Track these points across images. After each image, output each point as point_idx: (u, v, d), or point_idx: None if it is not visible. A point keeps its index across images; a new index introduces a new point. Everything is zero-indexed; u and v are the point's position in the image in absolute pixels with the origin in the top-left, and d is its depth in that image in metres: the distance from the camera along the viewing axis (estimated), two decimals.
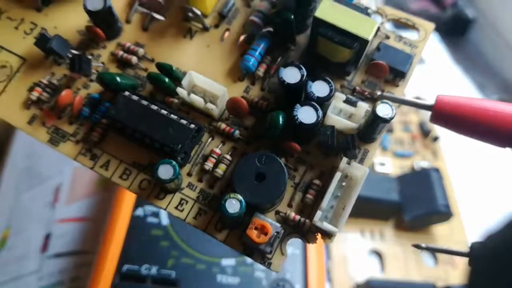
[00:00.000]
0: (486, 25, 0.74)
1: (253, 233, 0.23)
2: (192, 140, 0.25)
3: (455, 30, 0.75)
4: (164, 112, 0.25)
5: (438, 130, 0.57)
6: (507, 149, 0.24)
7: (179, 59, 0.28)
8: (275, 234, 0.24)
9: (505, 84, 0.72)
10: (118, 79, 0.26)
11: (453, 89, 0.66)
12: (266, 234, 0.23)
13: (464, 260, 0.25)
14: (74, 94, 0.27)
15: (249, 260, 0.36)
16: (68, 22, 0.29)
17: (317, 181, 0.26)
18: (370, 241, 0.50)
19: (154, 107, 0.25)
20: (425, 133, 0.57)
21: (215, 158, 0.25)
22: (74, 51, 0.27)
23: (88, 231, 0.46)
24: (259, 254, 0.24)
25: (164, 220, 0.37)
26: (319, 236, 0.25)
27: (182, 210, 0.25)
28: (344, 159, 0.25)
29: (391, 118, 0.24)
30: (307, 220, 0.25)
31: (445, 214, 0.47)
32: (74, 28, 0.28)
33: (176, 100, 0.27)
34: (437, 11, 0.75)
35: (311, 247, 0.38)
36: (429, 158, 0.55)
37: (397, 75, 0.27)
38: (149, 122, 0.25)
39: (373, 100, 0.27)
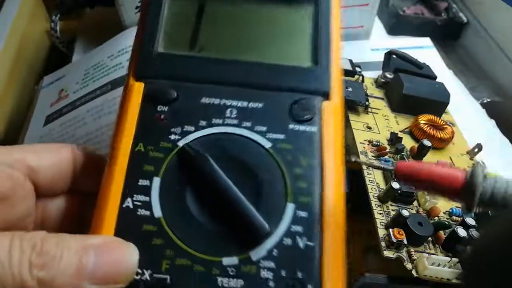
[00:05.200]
0: (479, 29, 0.76)
1: None
2: None
3: (448, 34, 0.77)
4: None
5: None
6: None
7: None
8: None
9: (497, 87, 0.73)
10: None
11: None
12: None
13: None
14: None
15: (254, 258, 0.31)
16: None
17: None
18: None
19: None
20: None
21: None
22: None
23: None
24: None
25: (157, 211, 0.33)
26: None
27: None
28: None
29: None
30: None
31: None
32: None
33: None
34: (431, 16, 0.77)
35: (328, 240, 0.32)
36: None
37: None
38: None
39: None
